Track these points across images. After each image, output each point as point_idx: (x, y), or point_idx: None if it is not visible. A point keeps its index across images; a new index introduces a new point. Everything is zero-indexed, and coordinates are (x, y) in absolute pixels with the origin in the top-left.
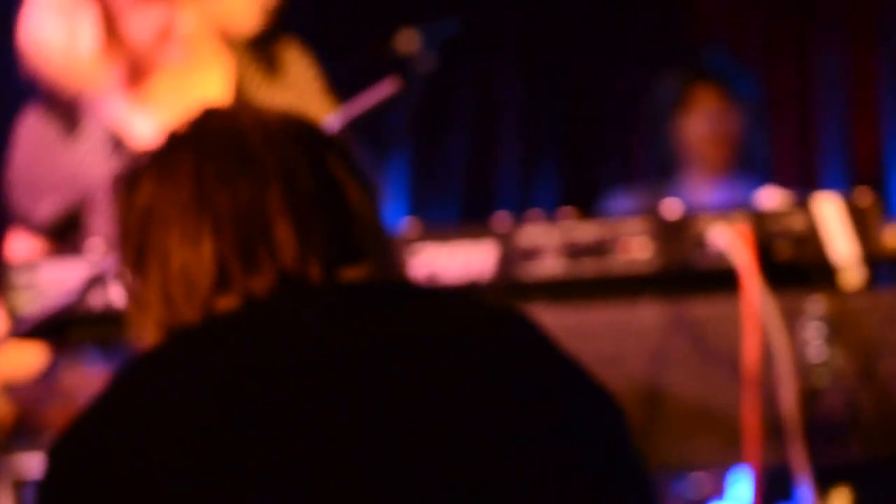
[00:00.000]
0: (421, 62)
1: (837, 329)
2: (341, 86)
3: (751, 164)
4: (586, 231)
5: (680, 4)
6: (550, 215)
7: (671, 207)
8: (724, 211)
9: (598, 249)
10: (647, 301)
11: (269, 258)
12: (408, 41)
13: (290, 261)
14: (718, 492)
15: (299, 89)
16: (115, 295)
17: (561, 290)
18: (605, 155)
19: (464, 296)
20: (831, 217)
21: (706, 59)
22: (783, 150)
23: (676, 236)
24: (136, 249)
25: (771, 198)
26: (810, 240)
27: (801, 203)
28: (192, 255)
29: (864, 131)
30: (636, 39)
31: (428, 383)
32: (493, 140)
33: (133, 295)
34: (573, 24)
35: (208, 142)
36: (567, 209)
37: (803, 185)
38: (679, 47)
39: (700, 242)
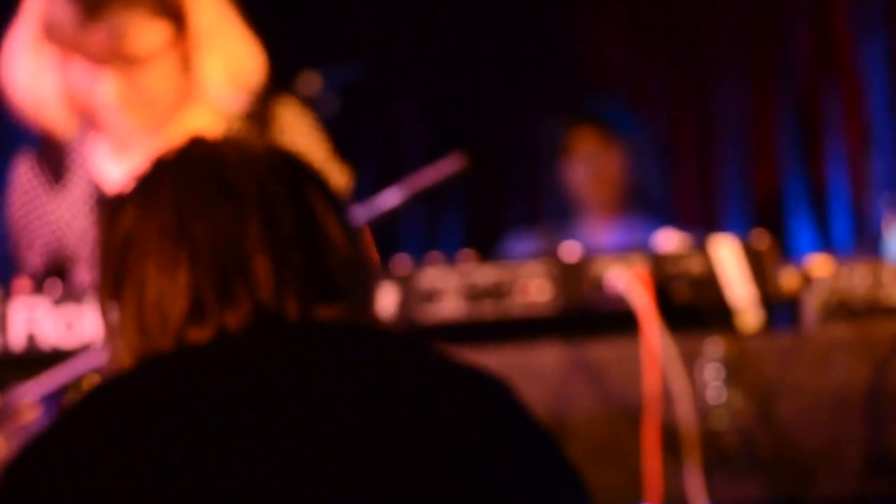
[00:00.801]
0: (322, 105)
1: (735, 370)
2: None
3: (648, 205)
4: (486, 274)
5: (582, 49)
6: (451, 258)
7: (570, 250)
8: (622, 253)
9: (498, 292)
10: (547, 343)
11: (245, 292)
12: (309, 84)
13: (266, 296)
14: None
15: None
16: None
17: (461, 333)
18: (509, 196)
19: (429, 348)
20: (729, 259)
21: (586, 103)
22: (683, 192)
23: (575, 279)
24: (113, 276)
25: (669, 240)
26: (708, 282)
27: (699, 245)
28: (168, 285)
29: (763, 173)
30: (540, 84)
31: (379, 434)
32: (397, 181)
33: (109, 321)
34: (478, 69)
35: (190, 170)
36: (467, 252)
37: (704, 226)
38: (579, 90)
39: (598, 285)
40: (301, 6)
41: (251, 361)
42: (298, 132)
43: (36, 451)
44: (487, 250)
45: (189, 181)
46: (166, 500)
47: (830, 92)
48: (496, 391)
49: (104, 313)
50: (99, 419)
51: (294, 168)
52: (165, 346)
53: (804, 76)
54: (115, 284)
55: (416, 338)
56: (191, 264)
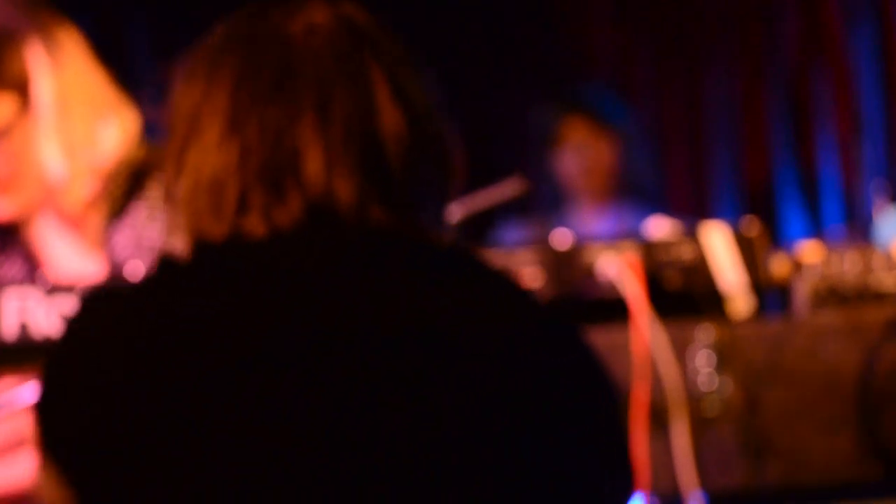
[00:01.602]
0: None
1: (726, 357)
2: None
3: (639, 193)
4: None
5: (571, 37)
6: None
7: (561, 238)
8: (613, 241)
9: None
10: None
11: (296, 190)
12: None
13: (317, 194)
14: None
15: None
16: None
17: None
18: (499, 183)
19: (484, 268)
20: (719, 246)
21: (576, 91)
22: (674, 180)
23: (566, 266)
24: (179, 148)
25: (660, 227)
26: (699, 269)
27: (690, 233)
28: (222, 173)
29: (753, 160)
30: (527, 71)
31: (419, 357)
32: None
33: (171, 196)
34: (466, 57)
35: (253, 53)
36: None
37: (695, 213)
38: (569, 79)
39: (589, 272)
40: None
41: (298, 263)
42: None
43: (87, 332)
44: (479, 239)
45: (250, 67)
46: (210, 394)
47: (820, 79)
48: (552, 324)
49: (167, 187)
50: (152, 306)
51: (363, 47)
52: (219, 231)
53: (794, 63)
54: (179, 157)
55: (470, 254)
56: (241, 159)
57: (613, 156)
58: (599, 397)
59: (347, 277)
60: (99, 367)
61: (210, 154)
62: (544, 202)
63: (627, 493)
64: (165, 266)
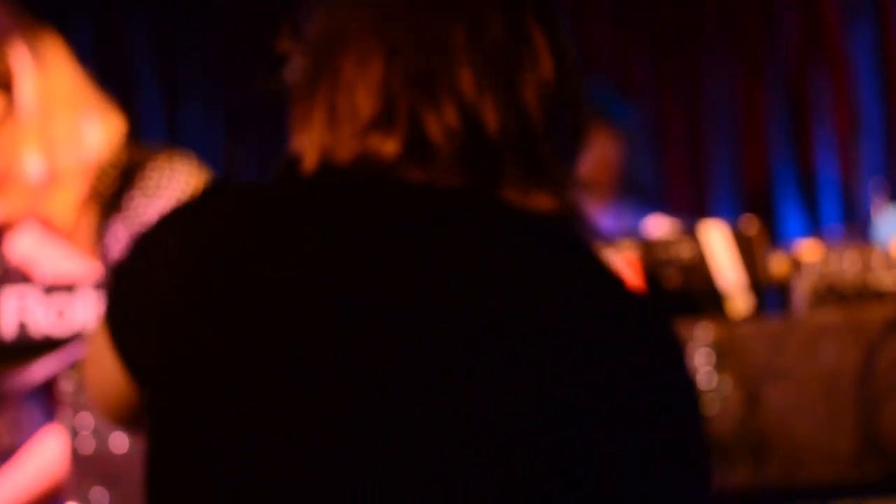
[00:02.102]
0: None
1: (725, 355)
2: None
3: (638, 191)
4: None
5: (571, 35)
6: None
7: None
8: (612, 239)
9: None
10: None
11: (449, 95)
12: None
13: (472, 107)
14: None
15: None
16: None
17: None
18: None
19: (582, 251)
20: (718, 245)
21: None
22: (673, 178)
23: None
24: (313, 70)
25: (659, 226)
26: (697, 267)
27: (689, 231)
28: (361, 78)
29: (752, 158)
30: None
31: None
32: None
33: (302, 111)
34: None
35: None
36: None
37: (693, 211)
38: None
39: None
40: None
41: (431, 197)
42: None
43: (181, 220)
44: None
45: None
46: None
47: (819, 77)
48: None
49: (297, 103)
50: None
51: None
52: (350, 148)
53: (793, 61)
54: (312, 78)
55: (571, 230)
56: (387, 59)
57: (616, 155)
58: (677, 394)
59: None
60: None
61: (347, 64)
62: None
63: (699, 494)
64: (285, 178)
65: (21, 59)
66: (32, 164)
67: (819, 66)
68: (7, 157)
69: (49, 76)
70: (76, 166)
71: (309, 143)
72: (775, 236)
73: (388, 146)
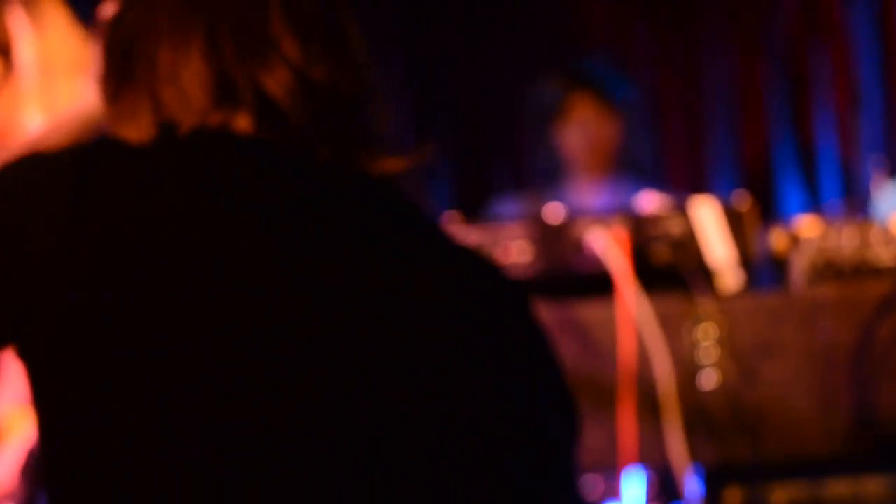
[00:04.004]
0: None
1: (721, 331)
2: None
3: (636, 166)
4: (468, 235)
5: (568, 9)
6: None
7: (552, 212)
8: (603, 215)
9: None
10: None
11: (280, 59)
12: None
13: (300, 67)
14: (611, 493)
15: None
16: None
17: None
18: (496, 157)
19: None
20: (709, 221)
21: (583, 66)
22: (672, 154)
23: (556, 241)
24: (119, 68)
25: (650, 202)
26: (687, 244)
27: (680, 207)
28: (185, 67)
29: (751, 134)
30: (524, 43)
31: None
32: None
33: (119, 109)
34: (463, 27)
35: None
36: (451, 213)
37: (692, 188)
38: (566, 51)
39: (578, 247)
40: None
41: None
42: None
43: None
44: (476, 212)
45: None
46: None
47: (818, 52)
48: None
49: (114, 112)
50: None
51: None
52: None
53: (792, 37)
54: (121, 75)
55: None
56: (207, 35)
57: (617, 133)
58: (533, 341)
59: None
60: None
61: (163, 49)
62: (541, 175)
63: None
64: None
65: (19, 22)
66: (35, 126)
67: (819, 41)
68: (8, 121)
69: (48, 38)
70: (74, 125)
71: (134, 134)
72: (775, 212)
73: (241, 121)
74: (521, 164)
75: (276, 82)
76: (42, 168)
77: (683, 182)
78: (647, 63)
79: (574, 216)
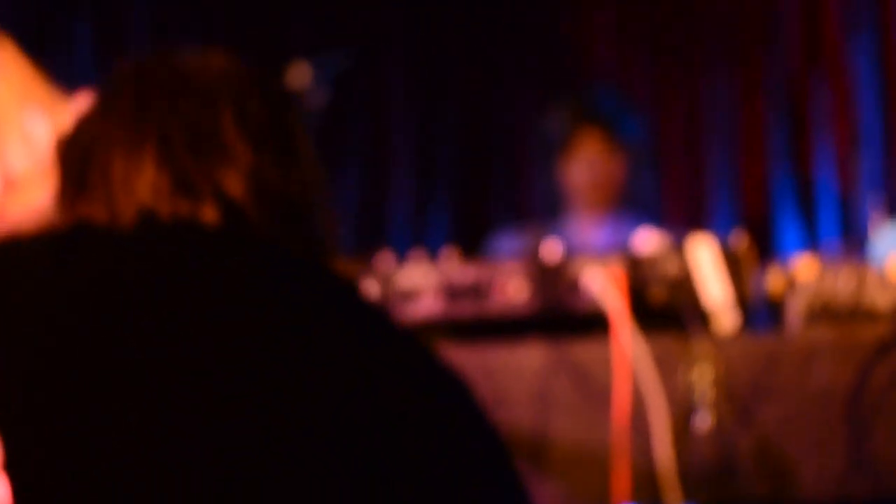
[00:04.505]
0: (312, 96)
1: (717, 373)
2: None
3: (638, 202)
4: (465, 273)
5: (571, 43)
6: (433, 255)
7: (550, 250)
8: (600, 254)
9: (477, 291)
10: (527, 343)
11: (232, 162)
12: (299, 74)
13: (253, 170)
14: None
15: None
16: None
17: (440, 331)
18: (496, 189)
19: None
20: (706, 262)
21: (591, 100)
22: (672, 189)
23: (553, 279)
24: (76, 174)
25: (647, 241)
26: (684, 284)
27: (677, 247)
28: (137, 169)
29: (751, 169)
30: (528, 76)
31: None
32: (386, 173)
33: (73, 210)
34: (466, 60)
35: (152, 73)
36: (450, 249)
37: (692, 224)
38: (567, 86)
39: (575, 286)
40: None
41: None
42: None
43: None
44: (475, 245)
45: (152, 80)
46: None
47: (819, 90)
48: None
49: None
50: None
51: (265, 81)
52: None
53: (793, 74)
54: (76, 187)
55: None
56: (160, 142)
57: (622, 169)
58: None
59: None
60: None
61: (117, 157)
62: (543, 209)
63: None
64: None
65: None
66: (14, 159)
67: (819, 79)
68: None
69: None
70: (34, 168)
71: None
72: (773, 248)
73: (207, 213)
74: (522, 197)
75: (233, 182)
76: (16, 253)
77: (683, 217)
78: (649, 99)
79: (571, 255)
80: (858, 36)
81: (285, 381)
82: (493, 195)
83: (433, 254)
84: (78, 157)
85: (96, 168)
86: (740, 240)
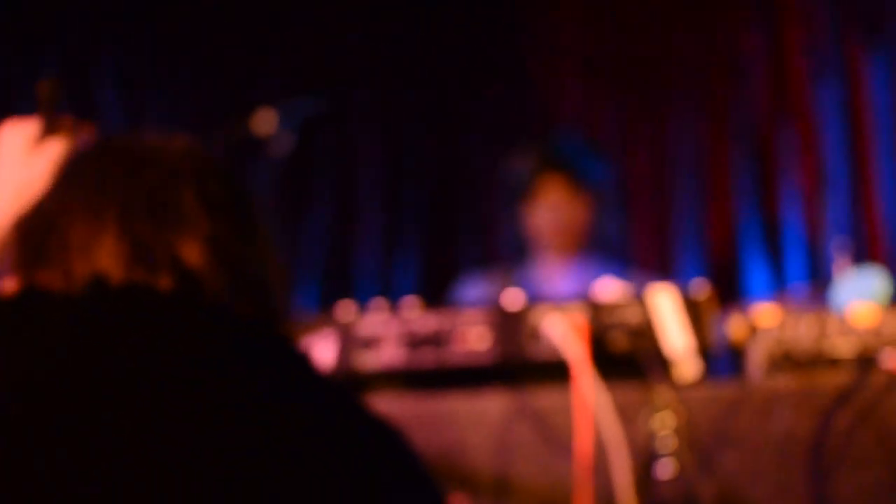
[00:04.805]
0: (279, 142)
1: (679, 421)
2: None
3: (604, 246)
4: (427, 321)
5: (538, 88)
6: (398, 301)
7: (512, 298)
8: (562, 303)
9: (438, 340)
10: (489, 391)
11: (192, 232)
12: (266, 121)
13: (210, 239)
14: None
15: None
16: None
17: (401, 380)
18: (465, 233)
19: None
20: (667, 310)
21: (554, 145)
22: (639, 231)
23: (514, 327)
24: (34, 246)
25: (608, 289)
26: (645, 332)
27: (638, 295)
28: (97, 236)
29: (718, 213)
30: (496, 120)
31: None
32: (354, 218)
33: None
34: (433, 106)
35: (111, 151)
36: (411, 298)
37: (659, 265)
38: (534, 130)
39: (536, 334)
40: (257, 41)
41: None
42: None
43: None
44: (443, 290)
45: (115, 154)
46: None
47: (786, 132)
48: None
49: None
50: None
51: (218, 159)
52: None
53: (759, 117)
54: (34, 256)
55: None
56: (121, 212)
57: (587, 214)
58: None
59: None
60: None
61: (77, 229)
62: (509, 254)
63: None
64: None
65: None
66: None
67: (785, 122)
68: None
69: None
70: None
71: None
72: (741, 290)
73: (163, 282)
74: (490, 241)
75: (192, 252)
76: None
77: (650, 260)
78: (615, 142)
79: (533, 302)
80: (825, 79)
81: (217, 443)
82: (461, 239)
83: (400, 298)
84: (37, 226)
85: (55, 236)
86: (702, 287)
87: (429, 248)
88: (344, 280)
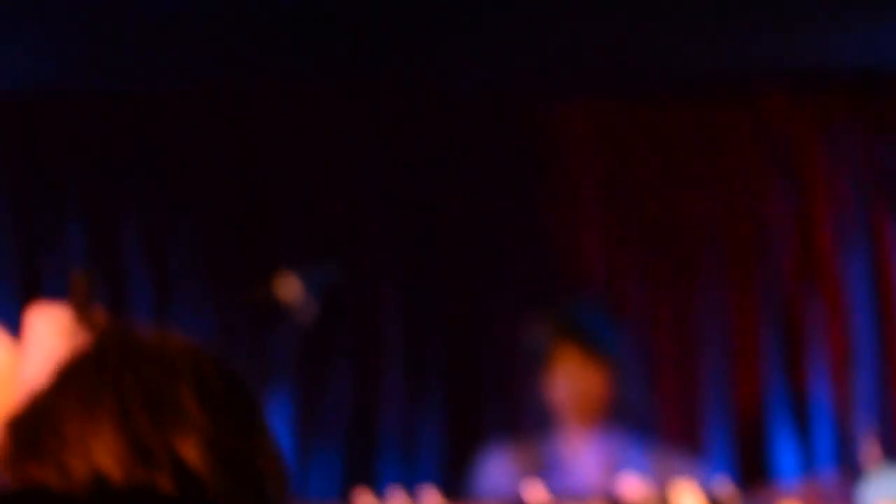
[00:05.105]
0: (302, 308)
1: None
2: (222, 332)
3: (627, 416)
4: None
5: (562, 254)
6: (414, 493)
7: (534, 493)
8: (584, 499)
9: None
10: None
11: (191, 428)
12: (288, 286)
13: (208, 436)
14: None
15: None
16: None
17: None
18: (490, 398)
19: None
20: None
21: (570, 314)
22: (665, 404)
23: None
24: (27, 441)
25: (631, 486)
26: None
27: (661, 492)
28: (94, 433)
29: (745, 385)
30: (517, 287)
31: None
32: (376, 384)
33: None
34: (456, 269)
35: (110, 343)
36: (430, 488)
37: (685, 438)
38: (560, 293)
39: None
40: (278, 206)
41: None
42: None
43: None
44: (469, 455)
45: (112, 348)
46: None
47: (813, 303)
48: None
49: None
50: None
51: (215, 355)
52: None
53: (787, 290)
54: (27, 453)
55: None
56: (119, 408)
57: (605, 383)
58: None
59: None
60: None
61: (72, 425)
62: (532, 423)
63: None
64: None
65: None
66: None
67: (813, 293)
68: None
69: None
70: None
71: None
72: (767, 465)
73: (162, 482)
74: (515, 407)
75: (191, 451)
76: None
77: (675, 429)
78: (640, 311)
79: (555, 497)
80: (852, 251)
81: None
82: (486, 405)
83: (424, 470)
84: (31, 419)
85: (49, 429)
86: (725, 485)
87: (453, 413)
88: (367, 449)
